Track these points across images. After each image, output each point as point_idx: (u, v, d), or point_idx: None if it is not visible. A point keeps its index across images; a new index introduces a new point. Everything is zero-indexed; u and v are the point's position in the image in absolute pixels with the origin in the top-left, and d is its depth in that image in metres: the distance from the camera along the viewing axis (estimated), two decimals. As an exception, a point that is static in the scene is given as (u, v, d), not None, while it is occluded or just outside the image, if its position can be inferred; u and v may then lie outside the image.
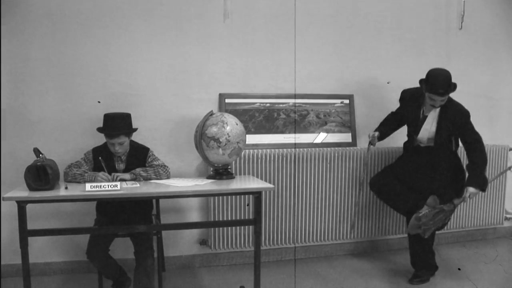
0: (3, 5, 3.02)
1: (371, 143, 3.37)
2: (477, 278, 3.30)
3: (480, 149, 3.10)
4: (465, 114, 3.11)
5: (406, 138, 3.39)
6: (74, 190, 2.54)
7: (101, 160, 2.79)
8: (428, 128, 3.15)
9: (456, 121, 3.08)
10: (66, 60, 3.18)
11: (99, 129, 2.85)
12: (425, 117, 3.15)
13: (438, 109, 3.10)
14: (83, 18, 3.18)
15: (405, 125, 3.36)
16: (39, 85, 3.15)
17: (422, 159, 3.21)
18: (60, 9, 3.13)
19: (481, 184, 3.06)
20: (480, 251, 3.93)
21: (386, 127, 3.42)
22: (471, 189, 3.04)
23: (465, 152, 3.18)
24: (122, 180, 2.74)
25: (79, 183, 2.70)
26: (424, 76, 3.07)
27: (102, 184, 2.51)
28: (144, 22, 3.29)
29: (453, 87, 2.99)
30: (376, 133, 3.35)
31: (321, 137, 3.71)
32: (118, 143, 2.80)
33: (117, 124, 2.82)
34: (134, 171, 2.85)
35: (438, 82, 2.95)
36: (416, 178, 3.19)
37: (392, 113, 3.48)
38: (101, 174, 2.74)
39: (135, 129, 2.94)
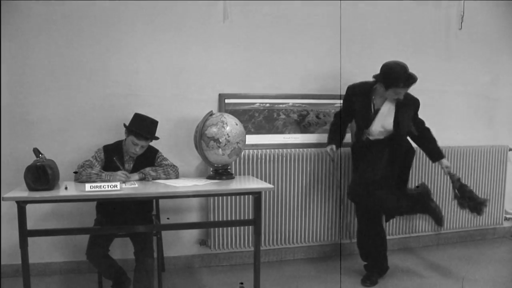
0: (3, 5, 3.02)
1: (332, 159, 3.44)
2: (477, 278, 3.30)
3: (431, 134, 3.21)
4: (418, 103, 3.15)
5: None
6: (73, 190, 2.54)
7: (116, 160, 2.82)
8: (382, 121, 3.09)
9: (411, 110, 3.10)
10: (66, 60, 3.18)
11: (130, 127, 2.85)
12: (377, 111, 3.09)
13: (390, 102, 3.05)
14: (83, 19, 3.18)
15: None
16: (39, 85, 3.15)
17: (377, 153, 3.13)
18: (60, 9, 3.13)
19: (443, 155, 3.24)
20: (480, 251, 3.93)
21: (337, 133, 3.35)
22: (445, 161, 3.20)
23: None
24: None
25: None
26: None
27: (102, 184, 2.51)
28: (144, 23, 3.29)
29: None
30: (333, 146, 3.30)
31: (319, 137, 3.71)
32: (141, 145, 2.85)
33: (151, 128, 2.89)
34: (143, 170, 2.87)
35: (402, 75, 2.93)
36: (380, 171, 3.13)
37: (336, 114, 3.40)
38: (120, 173, 2.76)
39: (158, 138, 2.97)
